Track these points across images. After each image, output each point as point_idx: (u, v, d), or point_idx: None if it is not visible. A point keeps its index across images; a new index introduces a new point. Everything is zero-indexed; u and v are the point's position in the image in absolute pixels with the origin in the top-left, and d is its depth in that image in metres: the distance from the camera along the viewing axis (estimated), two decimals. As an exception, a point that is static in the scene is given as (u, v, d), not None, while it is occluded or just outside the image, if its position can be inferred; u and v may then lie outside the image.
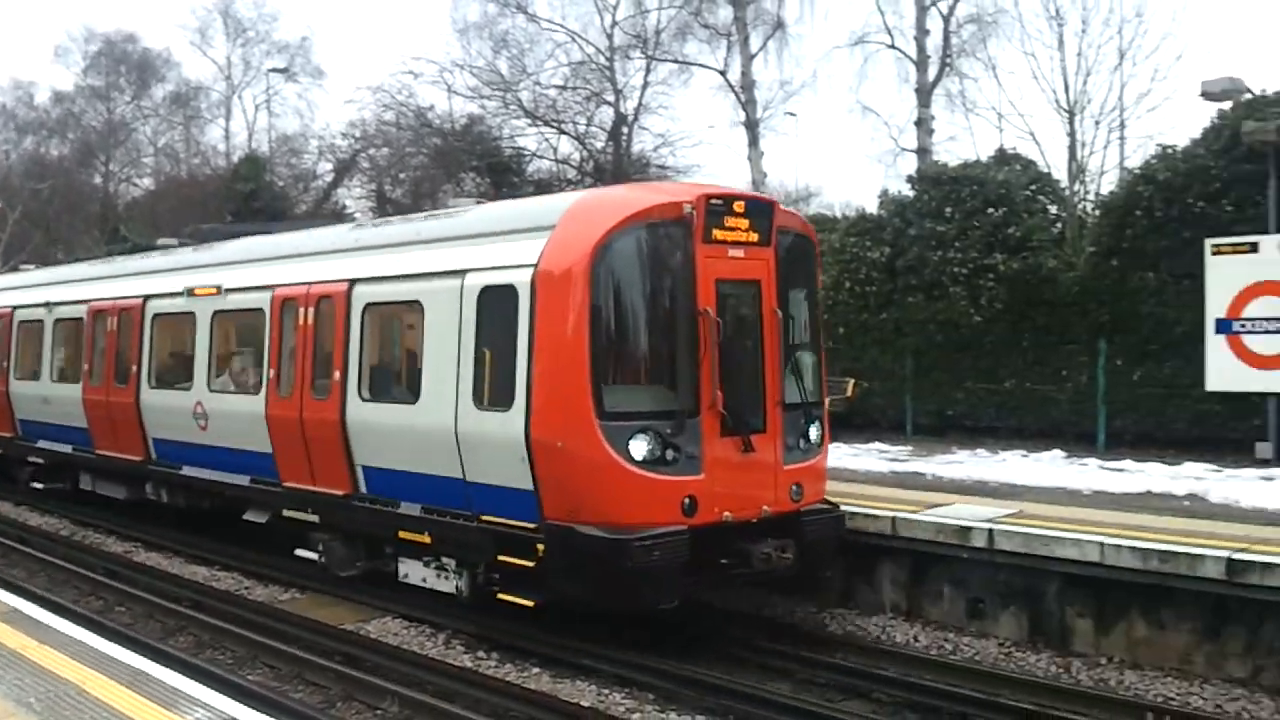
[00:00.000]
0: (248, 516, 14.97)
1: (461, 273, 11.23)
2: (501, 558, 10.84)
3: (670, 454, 10.28)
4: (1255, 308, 15.13)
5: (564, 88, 34.05)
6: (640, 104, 33.72)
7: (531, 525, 10.50)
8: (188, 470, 15.72)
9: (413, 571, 12.26)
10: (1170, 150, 18.94)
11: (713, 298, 10.57)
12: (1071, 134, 26.96)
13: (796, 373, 11.51)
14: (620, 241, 10.27)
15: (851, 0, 52.18)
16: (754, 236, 10.95)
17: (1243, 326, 15.21)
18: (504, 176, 34.44)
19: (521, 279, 10.54)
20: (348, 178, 43.58)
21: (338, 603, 13.24)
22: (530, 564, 10.53)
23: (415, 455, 11.68)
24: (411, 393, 12.02)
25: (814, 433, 11.58)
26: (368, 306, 12.55)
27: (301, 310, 13.32)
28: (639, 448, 10.15)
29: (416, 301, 11.87)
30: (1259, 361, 15.12)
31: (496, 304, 10.81)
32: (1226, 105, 18.05)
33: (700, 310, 10.48)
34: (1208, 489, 13.63)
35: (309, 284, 13.32)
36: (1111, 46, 26.43)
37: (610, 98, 33.62)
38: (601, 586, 10.38)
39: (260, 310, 14.02)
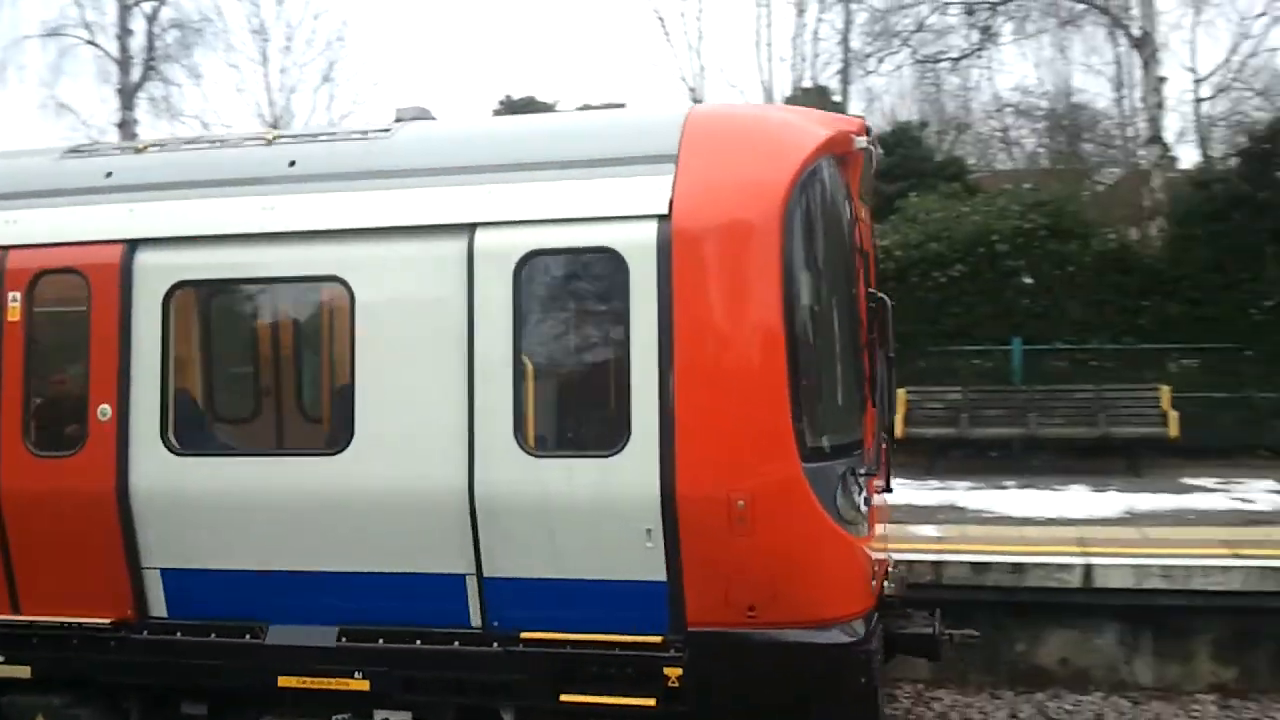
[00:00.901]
0: None
1: (469, 227, 6.80)
2: (568, 698, 6.77)
3: (865, 505, 6.80)
4: None
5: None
6: None
7: (658, 639, 6.61)
8: None
9: None
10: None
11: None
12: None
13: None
14: (816, 184, 6.63)
15: (49, -13, 51.25)
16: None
17: None
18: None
19: (633, 238, 6.53)
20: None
21: None
22: (652, 702, 6.60)
23: (334, 542, 7.02)
24: (331, 434, 7.58)
25: None
26: (178, 288, 7.37)
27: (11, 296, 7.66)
28: (847, 499, 6.62)
29: (335, 278, 7.09)
30: None
31: (566, 280, 7.01)
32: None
33: (873, 294, 7.30)
34: None
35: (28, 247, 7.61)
36: (316, 66, 30.41)
37: None
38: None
39: None
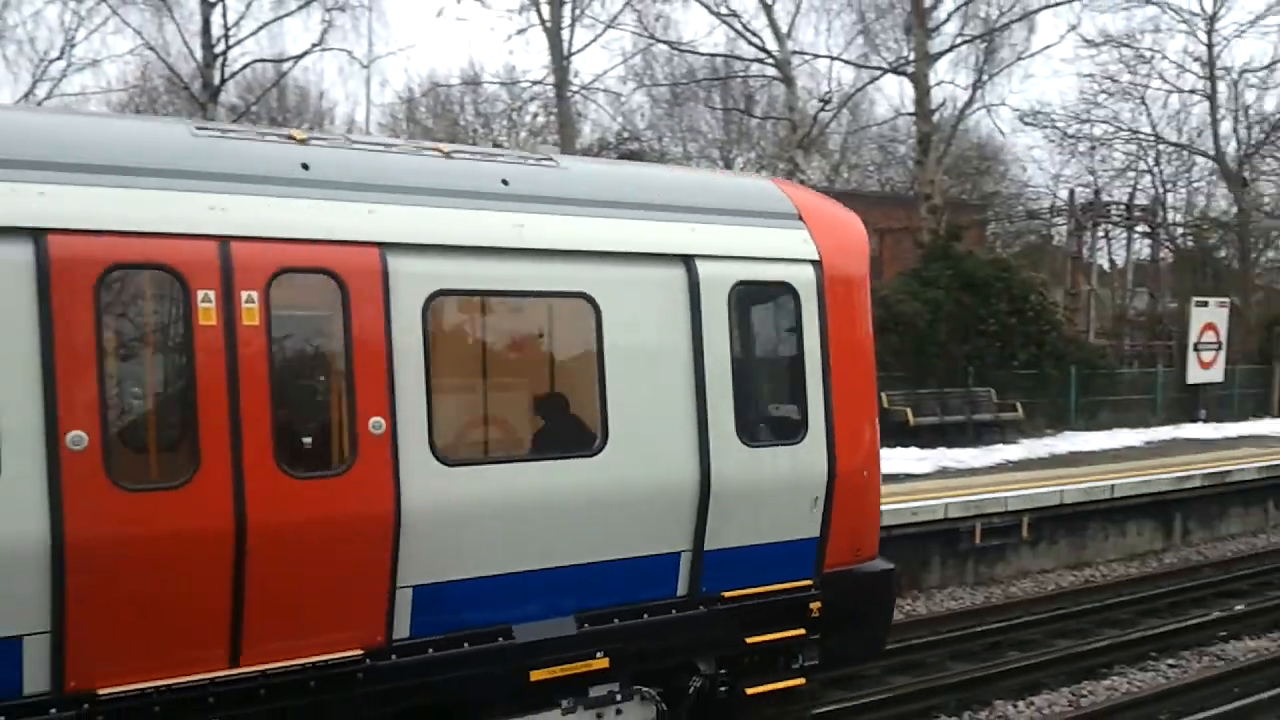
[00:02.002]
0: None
1: (686, 258, 8.02)
2: (752, 639, 8.32)
3: None
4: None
5: None
6: None
7: (808, 581, 8.52)
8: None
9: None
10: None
11: None
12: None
13: None
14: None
15: None
16: None
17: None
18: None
19: (802, 277, 8.45)
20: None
21: None
22: (802, 632, 8.48)
23: (584, 537, 7.64)
24: (582, 438, 7.84)
25: None
26: (436, 296, 7.16)
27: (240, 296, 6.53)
28: None
29: (582, 295, 7.65)
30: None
31: (761, 306, 8.72)
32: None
33: None
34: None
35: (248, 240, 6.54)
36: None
37: None
38: (878, 628, 9.30)
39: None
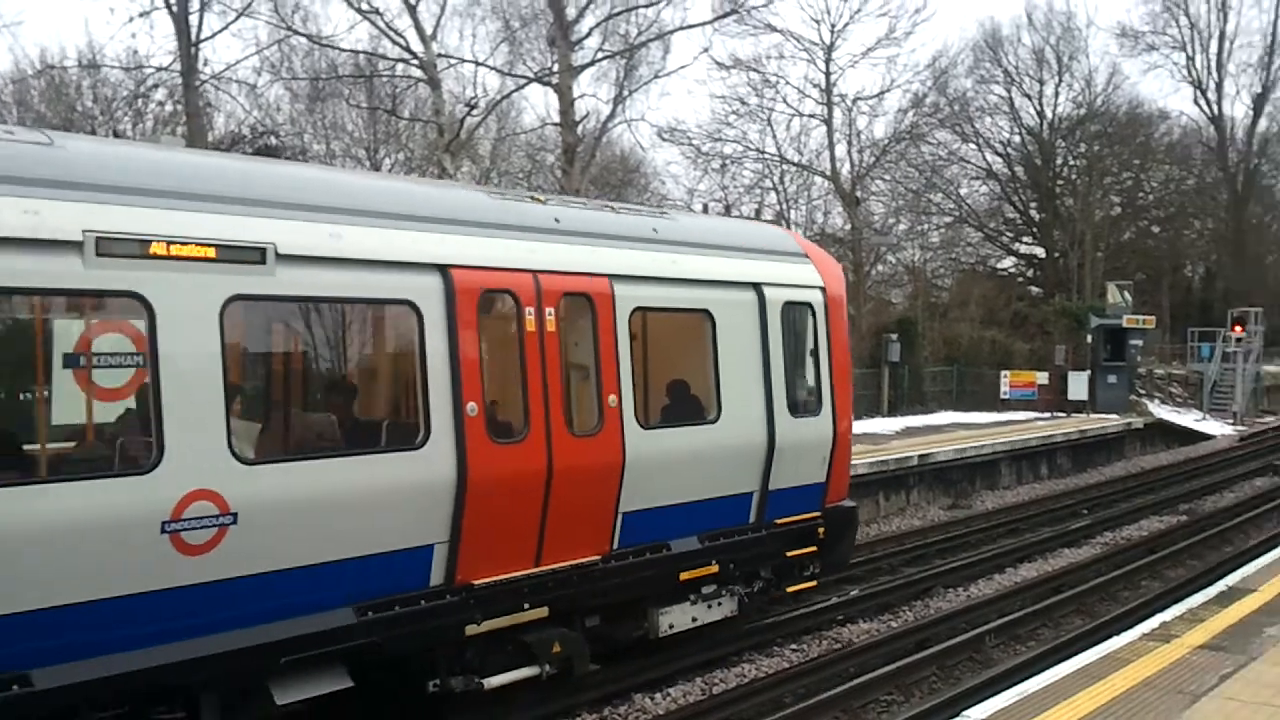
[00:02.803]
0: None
1: (756, 285, 11.74)
2: (790, 554, 12.31)
3: None
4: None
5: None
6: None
7: (817, 514, 12.52)
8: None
9: (678, 619, 11.34)
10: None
11: None
12: None
13: None
14: None
15: None
16: None
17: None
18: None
19: (815, 299, 12.49)
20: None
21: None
22: (814, 549, 12.57)
23: (706, 480, 11.21)
24: (706, 411, 11.34)
25: None
26: (635, 311, 10.44)
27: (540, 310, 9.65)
28: None
29: (704, 310, 11.22)
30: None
31: (796, 319, 12.27)
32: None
33: None
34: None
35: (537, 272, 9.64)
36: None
37: None
38: (849, 546, 13.65)
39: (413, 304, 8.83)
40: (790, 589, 12.67)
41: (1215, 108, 65.64)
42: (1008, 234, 62.84)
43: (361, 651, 8.34)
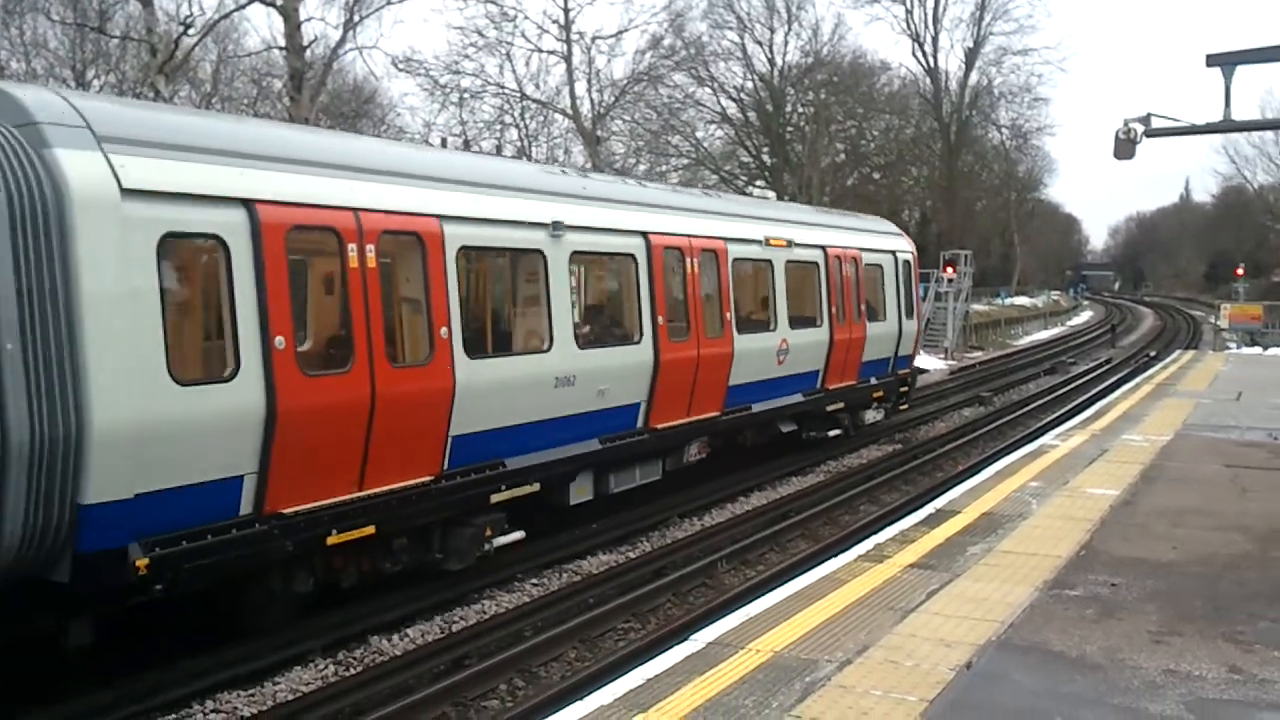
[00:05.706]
0: (784, 429, 19.53)
1: (891, 252, 23.40)
2: (903, 389, 24.18)
3: None
4: None
5: None
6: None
7: (891, 376, 23.40)
8: (757, 406, 17.72)
9: (866, 414, 22.63)
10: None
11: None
12: None
13: None
14: None
15: None
16: None
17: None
18: None
19: (900, 258, 23.74)
20: None
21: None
22: (905, 389, 24.46)
23: (880, 351, 22.35)
24: (879, 315, 22.47)
25: None
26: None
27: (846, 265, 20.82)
28: None
29: (878, 265, 22.58)
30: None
31: (874, 272, 22.39)
32: None
33: None
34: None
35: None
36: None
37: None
38: (904, 397, 24.86)
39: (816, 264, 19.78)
40: (902, 407, 25.10)
41: (931, 60, 69.61)
42: (743, 177, 64.68)
43: None
